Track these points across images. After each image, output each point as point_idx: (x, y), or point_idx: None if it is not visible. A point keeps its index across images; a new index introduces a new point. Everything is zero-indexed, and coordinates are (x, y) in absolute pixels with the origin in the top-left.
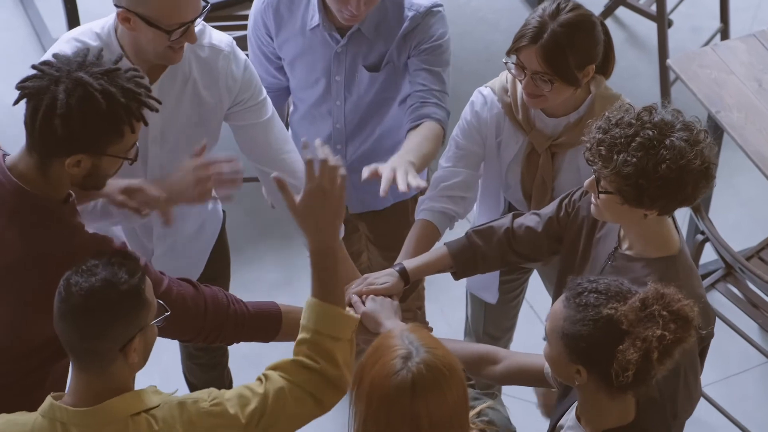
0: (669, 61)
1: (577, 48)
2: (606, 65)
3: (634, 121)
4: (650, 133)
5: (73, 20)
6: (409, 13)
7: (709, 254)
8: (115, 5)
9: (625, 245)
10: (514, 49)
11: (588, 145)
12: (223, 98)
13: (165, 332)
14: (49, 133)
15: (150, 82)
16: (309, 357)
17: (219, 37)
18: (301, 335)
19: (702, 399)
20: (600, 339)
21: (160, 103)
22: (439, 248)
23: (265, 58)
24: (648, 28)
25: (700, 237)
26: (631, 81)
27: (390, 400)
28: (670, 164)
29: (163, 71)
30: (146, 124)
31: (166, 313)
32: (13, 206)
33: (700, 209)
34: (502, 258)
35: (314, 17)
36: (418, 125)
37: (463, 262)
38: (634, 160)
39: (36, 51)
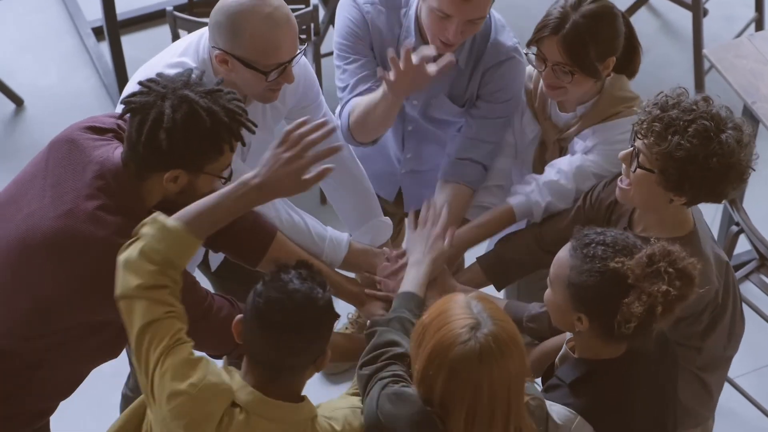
0: (705, 51)
1: (598, 39)
2: (631, 62)
3: (694, 108)
4: (707, 123)
5: (107, 1)
6: (492, 49)
7: (743, 245)
8: (213, 47)
9: (639, 228)
10: (534, 40)
11: (642, 117)
12: (288, 101)
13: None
14: (153, 147)
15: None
16: None
17: None
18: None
19: (734, 390)
20: (606, 290)
21: (256, 126)
22: (473, 264)
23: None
24: (681, 17)
25: (734, 228)
26: (665, 70)
27: (454, 368)
28: (720, 159)
29: (250, 100)
30: (244, 144)
31: (338, 317)
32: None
33: (735, 200)
34: (535, 260)
35: (409, 38)
36: (448, 182)
37: (495, 274)
38: (688, 145)
39: (69, 33)
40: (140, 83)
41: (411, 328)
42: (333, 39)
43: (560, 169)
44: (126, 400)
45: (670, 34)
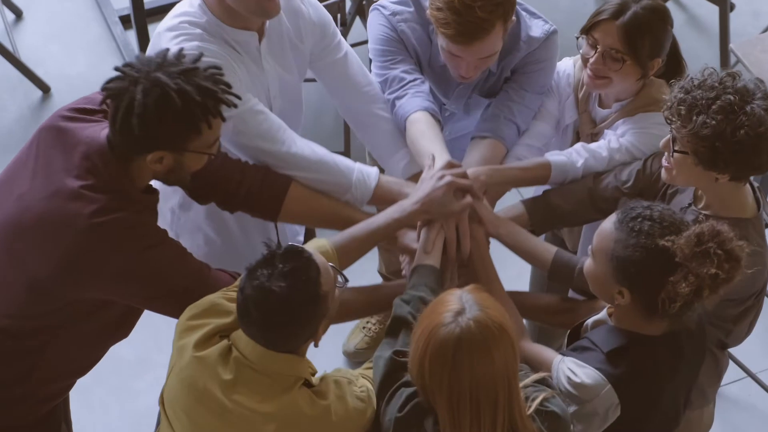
0: (731, 46)
1: (654, 34)
2: (677, 69)
3: (716, 85)
4: (731, 98)
5: None
6: (524, 45)
7: None
8: None
9: (700, 204)
10: (588, 27)
11: (668, 103)
12: (306, 40)
13: None
14: (127, 133)
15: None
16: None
17: None
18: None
19: (755, 384)
20: (651, 267)
21: (240, 98)
22: (515, 204)
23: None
24: (708, 11)
25: None
26: (691, 64)
27: (433, 351)
28: (748, 130)
29: (263, 33)
30: (224, 119)
31: (347, 283)
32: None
33: None
34: (583, 215)
35: (441, 56)
36: (483, 138)
37: (538, 217)
38: (713, 122)
39: (97, 21)
40: (116, 68)
41: None
42: (369, 48)
43: (593, 143)
44: None
45: (696, 29)
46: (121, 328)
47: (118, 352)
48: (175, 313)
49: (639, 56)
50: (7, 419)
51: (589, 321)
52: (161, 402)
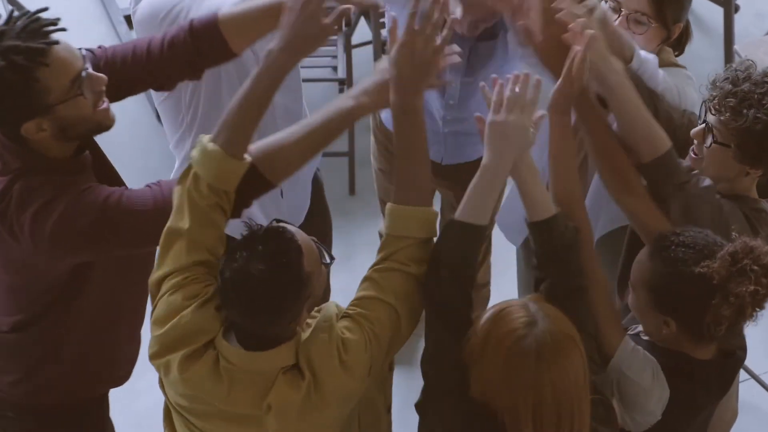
0: (736, 47)
1: None
2: (684, 38)
3: (766, 80)
4: None
5: None
6: None
7: None
8: None
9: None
10: None
11: (714, 93)
12: None
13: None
14: None
15: None
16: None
17: None
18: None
19: (758, 386)
20: (691, 294)
21: (64, 30)
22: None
23: None
24: (711, 12)
25: None
26: (696, 65)
27: (514, 366)
28: None
29: None
30: (46, 65)
31: (333, 260)
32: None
33: None
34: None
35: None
36: None
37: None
38: (766, 118)
39: (101, 20)
40: None
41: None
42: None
43: None
44: None
45: (701, 30)
46: (125, 289)
47: None
48: (134, 242)
49: (665, 19)
50: (49, 399)
51: (637, 328)
52: (161, 385)
